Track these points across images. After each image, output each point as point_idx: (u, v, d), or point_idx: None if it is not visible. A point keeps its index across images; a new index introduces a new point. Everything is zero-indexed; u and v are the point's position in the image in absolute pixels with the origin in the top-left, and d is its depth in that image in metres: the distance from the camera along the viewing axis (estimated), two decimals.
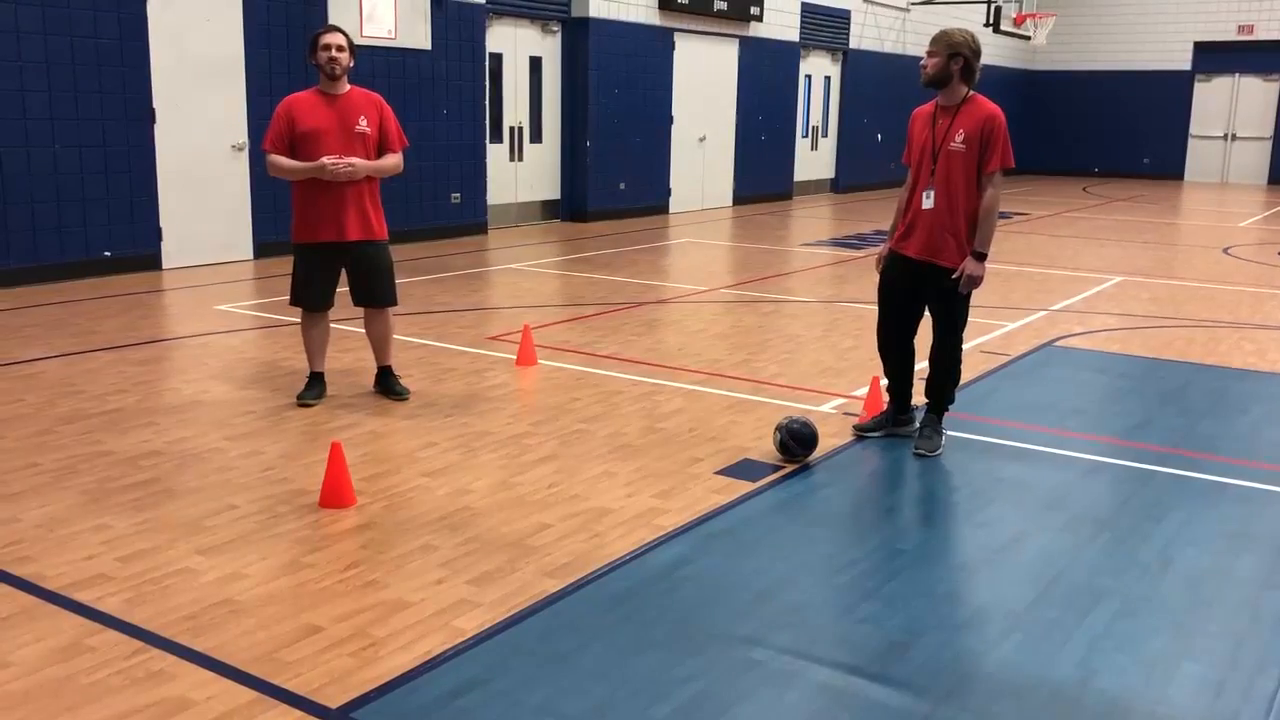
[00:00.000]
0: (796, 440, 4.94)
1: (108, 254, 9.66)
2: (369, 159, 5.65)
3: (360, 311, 5.99)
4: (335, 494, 4.34)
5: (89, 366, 6.49)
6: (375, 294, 5.84)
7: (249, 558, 3.85)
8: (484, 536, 4.07)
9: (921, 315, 5.28)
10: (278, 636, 3.29)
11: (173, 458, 4.90)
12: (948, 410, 5.25)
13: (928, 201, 4.99)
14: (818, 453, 5.02)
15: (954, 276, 4.95)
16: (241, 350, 7.04)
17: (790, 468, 4.91)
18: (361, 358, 6.56)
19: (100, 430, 5.26)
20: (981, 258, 4.94)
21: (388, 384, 5.94)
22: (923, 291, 5.14)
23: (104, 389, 5.99)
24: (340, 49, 5.59)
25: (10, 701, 2.92)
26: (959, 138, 4.92)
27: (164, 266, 10.10)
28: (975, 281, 4.96)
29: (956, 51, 4.92)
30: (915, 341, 5.32)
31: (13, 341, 7.11)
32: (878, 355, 5.48)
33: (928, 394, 5.26)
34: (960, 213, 4.94)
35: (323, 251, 5.68)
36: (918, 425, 5.28)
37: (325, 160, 5.49)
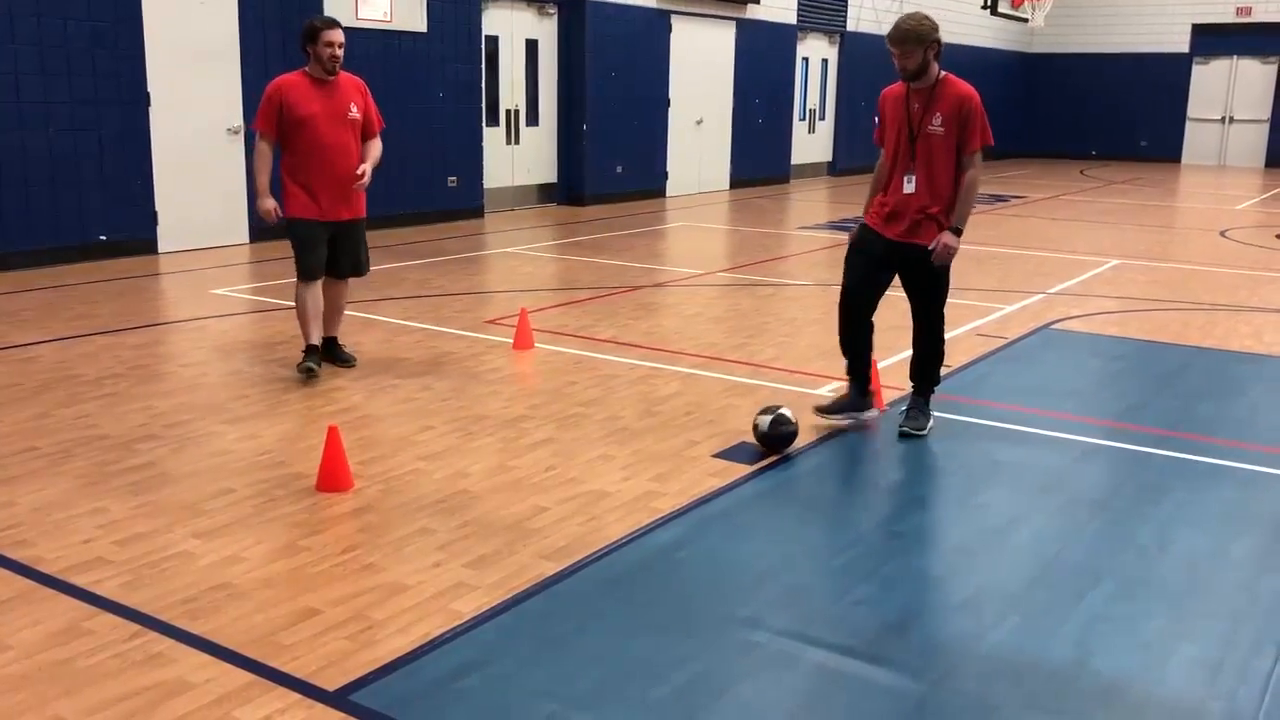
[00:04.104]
0: (764, 444, 4.83)
1: (103, 238, 9.63)
2: (359, 143, 5.95)
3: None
4: (332, 477, 4.34)
5: (85, 350, 6.48)
6: (360, 264, 6.18)
7: (246, 541, 3.85)
8: (481, 520, 4.08)
9: (885, 289, 5.17)
10: (275, 619, 3.29)
11: (169, 441, 4.89)
12: (934, 391, 5.23)
13: (909, 186, 4.97)
14: (815, 436, 5.02)
15: (930, 247, 4.91)
16: (238, 334, 7.02)
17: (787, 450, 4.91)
18: (356, 340, 6.55)
19: (96, 414, 5.25)
20: (958, 233, 4.93)
21: (334, 352, 6.18)
22: (903, 272, 5.08)
23: (100, 373, 5.98)
24: (342, 46, 5.77)
25: (9, 685, 2.92)
26: (936, 120, 4.90)
27: (160, 250, 10.07)
28: (950, 252, 4.92)
29: (931, 40, 4.87)
30: (875, 319, 5.19)
31: (8, 325, 7.09)
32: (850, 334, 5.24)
33: (913, 376, 5.23)
34: (941, 194, 4.94)
35: (320, 224, 5.91)
36: (904, 409, 5.24)
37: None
